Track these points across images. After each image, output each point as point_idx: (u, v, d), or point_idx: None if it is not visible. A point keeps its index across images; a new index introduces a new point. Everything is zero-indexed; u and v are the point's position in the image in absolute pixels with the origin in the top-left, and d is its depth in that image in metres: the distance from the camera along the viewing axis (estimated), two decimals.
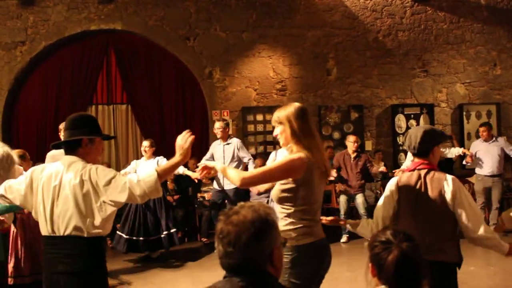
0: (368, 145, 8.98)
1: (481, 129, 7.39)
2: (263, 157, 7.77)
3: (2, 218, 3.08)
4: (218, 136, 6.81)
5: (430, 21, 9.09)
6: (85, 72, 8.66)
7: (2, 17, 8.35)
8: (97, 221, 2.54)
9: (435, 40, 9.09)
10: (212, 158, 6.84)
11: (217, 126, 6.86)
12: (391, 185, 2.81)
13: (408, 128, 8.96)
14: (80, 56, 8.65)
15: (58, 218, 2.58)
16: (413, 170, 2.75)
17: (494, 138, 7.30)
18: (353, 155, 6.96)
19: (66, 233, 2.55)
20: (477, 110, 9.08)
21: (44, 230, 2.64)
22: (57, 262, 2.56)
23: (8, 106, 8.47)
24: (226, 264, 1.51)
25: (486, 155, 7.18)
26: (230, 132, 8.74)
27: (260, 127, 8.77)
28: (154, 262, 6.32)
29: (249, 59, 8.76)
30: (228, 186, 6.58)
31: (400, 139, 8.93)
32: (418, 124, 8.95)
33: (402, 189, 2.74)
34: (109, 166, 7.83)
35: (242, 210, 1.54)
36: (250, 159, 6.78)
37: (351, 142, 6.94)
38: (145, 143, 6.51)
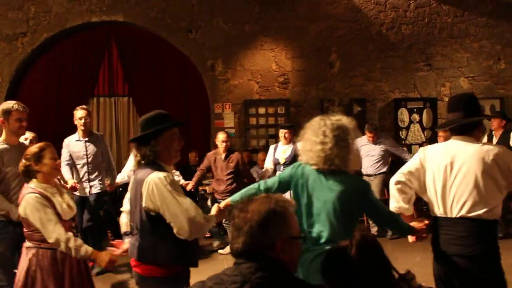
0: None
1: (369, 134, 7.03)
2: (266, 151, 7.71)
3: None
4: (81, 129, 5.46)
5: (434, 14, 9.02)
6: (86, 64, 8.63)
7: (4, 8, 8.31)
8: (494, 203, 2.54)
9: (439, 34, 9.01)
10: (71, 158, 5.54)
11: (80, 114, 5.39)
12: None
13: (411, 122, 8.92)
14: (82, 48, 8.62)
15: (452, 199, 2.59)
16: None
17: (378, 139, 7.09)
18: (223, 155, 6.24)
19: (459, 215, 2.57)
20: (480, 105, 8.99)
21: (436, 211, 2.69)
22: (449, 244, 2.58)
23: (9, 98, 8.37)
24: (232, 249, 1.55)
25: (366, 155, 7.00)
26: (232, 125, 8.73)
27: (262, 120, 8.72)
28: None
29: (251, 51, 8.70)
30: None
31: (402, 133, 8.89)
32: (421, 118, 8.91)
33: None
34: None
35: (259, 199, 1.58)
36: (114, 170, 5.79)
37: (220, 142, 6.19)
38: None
